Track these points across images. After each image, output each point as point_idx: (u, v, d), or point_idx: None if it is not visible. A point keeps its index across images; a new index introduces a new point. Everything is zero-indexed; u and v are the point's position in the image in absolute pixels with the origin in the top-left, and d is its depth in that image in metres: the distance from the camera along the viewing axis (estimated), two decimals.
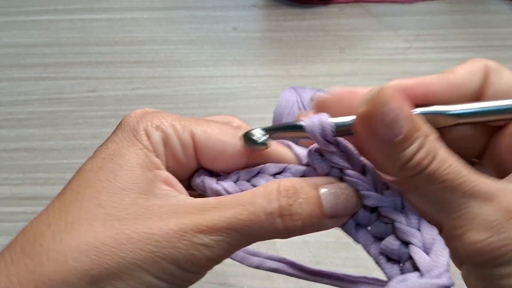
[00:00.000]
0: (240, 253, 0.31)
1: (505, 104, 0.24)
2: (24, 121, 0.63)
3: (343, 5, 0.77)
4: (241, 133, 0.25)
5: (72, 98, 0.65)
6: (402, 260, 0.23)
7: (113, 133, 0.26)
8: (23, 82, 0.67)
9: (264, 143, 0.25)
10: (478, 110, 0.24)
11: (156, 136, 0.25)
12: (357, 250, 0.49)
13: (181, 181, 0.26)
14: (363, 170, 0.25)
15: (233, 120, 0.30)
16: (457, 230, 0.22)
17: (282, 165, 0.26)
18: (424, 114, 0.23)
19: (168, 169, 0.26)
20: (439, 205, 0.22)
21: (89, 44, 0.72)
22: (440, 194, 0.22)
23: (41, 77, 0.68)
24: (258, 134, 0.25)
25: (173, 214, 0.23)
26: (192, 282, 0.24)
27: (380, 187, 0.24)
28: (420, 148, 0.21)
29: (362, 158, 0.25)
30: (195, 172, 0.27)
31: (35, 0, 0.78)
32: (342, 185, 0.24)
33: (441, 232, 0.23)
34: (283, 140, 0.27)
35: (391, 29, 0.73)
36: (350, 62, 0.68)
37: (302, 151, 0.26)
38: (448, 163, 0.21)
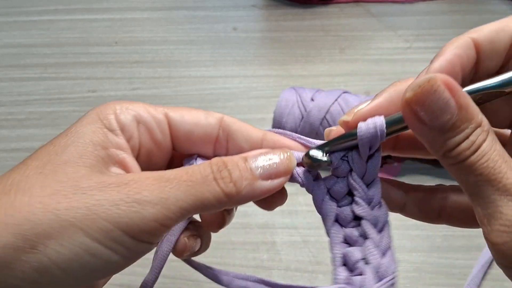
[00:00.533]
0: (212, 272, 0.32)
1: None
2: (25, 121, 0.63)
3: (343, 5, 0.77)
4: (211, 118, 0.28)
5: (72, 98, 0.65)
6: (354, 272, 0.25)
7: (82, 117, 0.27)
8: (23, 82, 0.67)
9: (329, 160, 0.26)
10: None
11: (127, 114, 0.26)
12: None
13: (157, 168, 0.27)
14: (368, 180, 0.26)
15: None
16: (485, 227, 0.22)
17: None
18: (475, 92, 0.24)
19: (143, 148, 0.27)
20: (474, 195, 0.23)
21: (89, 44, 0.72)
22: (476, 186, 0.22)
23: (42, 77, 0.68)
24: (319, 153, 0.26)
25: (115, 184, 0.23)
26: (139, 252, 0.24)
27: (377, 202, 0.26)
28: (465, 138, 0.22)
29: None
30: (170, 160, 0.29)
31: (36, 0, 0.78)
32: (273, 151, 0.26)
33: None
34: (276, 130, 0.29)
35: (391, 29, 0.73)
36: (350, 62, 0.68)
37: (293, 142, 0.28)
38: (488, 156, 0.22)
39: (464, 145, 0.22)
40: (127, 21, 0.76)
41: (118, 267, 0.24)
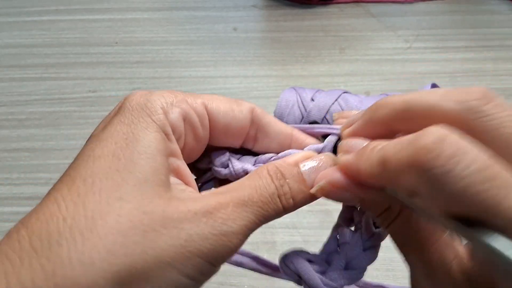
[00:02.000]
0: None
1: None
2: (25, 121, 0.63)
3: (343, 6, 0.77)
4: (244, 109, 0.27)
5: (73, 98, 0.65)
6: None
7: (116, 113, 0.24)
8: (24, 82, 0.68)
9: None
10: None
11: (175, 113, 0.23)
12: None
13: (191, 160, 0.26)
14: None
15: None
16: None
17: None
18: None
19: (186, 147, 0.25)
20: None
21: (90, 44, 0.72)
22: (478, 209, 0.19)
23: (42, 77, 0.68)
24: None
25: (201, 213, 0.21)
26: (211, 276, 0.23)
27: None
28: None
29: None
30: (202, 155, 0.28)
31: (36, 0, 0.78)
32: (318, 157, 0.26)
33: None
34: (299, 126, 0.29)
35: (391, 29, 0.73)
36: (350, 62, 0.68)
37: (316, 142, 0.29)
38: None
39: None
40: (127, 21, 0.76)
41: None
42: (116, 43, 0.72)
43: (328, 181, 0.24)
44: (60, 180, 0.22)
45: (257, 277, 0.48)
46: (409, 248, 0.25)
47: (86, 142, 0.23)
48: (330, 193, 0.24)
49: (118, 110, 0.24)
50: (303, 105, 0.54)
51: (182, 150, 0.25)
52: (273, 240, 0.50)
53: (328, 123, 0.53)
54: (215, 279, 0.48)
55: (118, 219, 0.19)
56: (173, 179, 0.23)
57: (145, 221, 0.20)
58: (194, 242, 0.21)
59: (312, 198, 0.25)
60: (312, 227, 0.51)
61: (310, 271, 0.26)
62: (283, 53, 0.70)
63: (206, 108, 0.25)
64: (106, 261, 0.19)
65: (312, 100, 0.55)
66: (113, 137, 0.22)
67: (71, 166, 0.22)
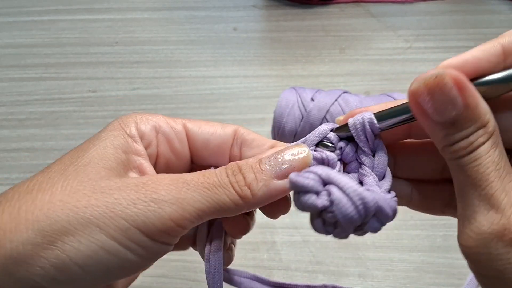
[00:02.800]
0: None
1: None
2: (25, 121, 0.63)
3: (343, 5, 0.77)
4: (227, 128, 0.28)
5: (73, 98, 0.65)
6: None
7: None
8: (24, 82, 0.68)
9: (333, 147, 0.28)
10: None
11: (147, 124, 0.27)
12: (357, 250, 0.49)
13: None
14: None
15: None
16: (459, 227, 0.23)
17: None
18: (481, 85, 0.23)
19: (161, 157, 0.28)
20: (459, 193, 0.23)
21: (90, 44, 0.72)
22: (463, 185, 0.23)
23: (42, 77, 0.68)
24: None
25: (134, 184, 0.24)
26: (156, 253, 0.24)
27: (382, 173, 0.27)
28: (464, 137, 0.22)
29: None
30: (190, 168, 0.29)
31: (36, 0, 0.78)
32: (287, 147, 0.26)
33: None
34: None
35: (391, 29, 0.73)
36: (350, 62, 0.68)
37: (330, 154, 0.27)
38: (481, 160, 0.22)
39: (461, 144, 0.22)
40: (127, 21, 0.76)
41: (134, 267, 0.24)
42: (116, 43, 0.72)
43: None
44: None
45: None
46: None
47: None
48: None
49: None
50: (303, 105, 0.54)
51: (157, 159, 0.28)
52: (273, 240, 0.50)
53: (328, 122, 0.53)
54: None
55: (53, 186, 0.23)
56: (133, 174, 0.26)
57: (76, 187, 0.23)
58: (120, 205, 0.23)
59: (281, 189, 0.25)
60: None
61: (346, 177, 0.25)
62: (283, 53, 0.70)
63: (185, 126, 0.28)
64: (31, 213, 0.22)
65: (312, 100, 0.55)
66: (87, 139, 0.26)
67: None
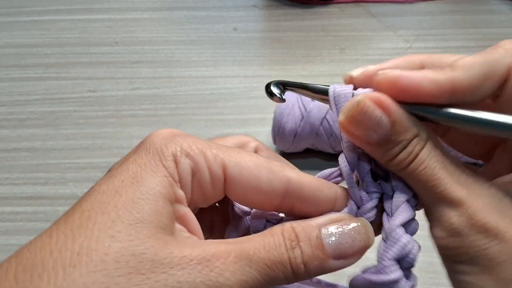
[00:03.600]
0: None
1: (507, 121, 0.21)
2: (25, 121, 0.63)
3: (343, 5, 0.77)
4: (274, 167, 0.24)
5: (73, 98, 0.65)
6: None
7: (134, 151, 0.23)
8: (24, 82, 0.67)
9: (283, 98, 0.27)
10: (474, 118, 0.22)
11: (185, 164, 0.22)
12: None
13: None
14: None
15: (249, 140, 0.28)
16: (430, 222, 0.24)
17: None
18: (414, 111, 0.23)
19: (191, 200, 0.23)
20: (421, 199, 0.24)
21: (90, 44, 0.72)
22: (420, 190, 0.24)
23: (42, 77, 0.68)
24: (277, 90, 0.27)
25: (197, 260, 0.20)
26: None
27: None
28: (402, 149, 0.23)
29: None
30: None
31: (36, 0, 0.78)
32: (349, 222, 0.23)
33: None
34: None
35: (391, 29, 0.73)
36: (350, 62, 0.68)
37: (364, 195, 0.25)
38: (426, 163, 0.23)
39: (402, 155, 0.23)
40: (127, 21, 0.76)
41: None
42: (116, 43, 0.72)
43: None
44: (65, 212, 0.21)
45: None
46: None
47: (106, 174, 0.23)
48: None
49: (138, 148, 0.23)
50: (303, 105, 0.54)
51: (188, 202, 0.23)
52: None
53: (328, 123, 0.53)
54: None
55: (104, 257, 0.19)
56: (178, 226, 0.22)
57: (132, 263, 0.19)
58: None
59: (331, 267, 0.23)
60: None
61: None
62: (283, 53, 0.70)
63: (224, 170, 0.23)
64: None
65: (312, 100, 0.55)
66: (122, 175, 0.22)
67: (79, 199, 0.22)
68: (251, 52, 0.70)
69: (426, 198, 0.23)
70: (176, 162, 0.22)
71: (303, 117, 0.53)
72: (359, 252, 0.23)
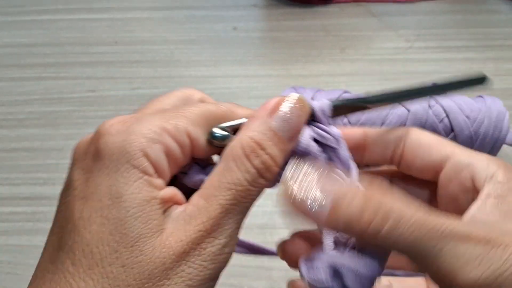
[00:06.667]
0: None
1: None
2: (24, 121, 0.63)
3: (344, 5, 0.76)
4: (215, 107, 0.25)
5: (72, 98, 0.65)
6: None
7: (96, 159, 0.22)
8: (23, 82, 0.67)
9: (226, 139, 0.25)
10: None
11: (157, 151, 0.22)
12: None
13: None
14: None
15: (192, 93, 0.28)
16: (447, 276, 0.21)
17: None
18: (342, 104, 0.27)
19: (170, 174, 0.24)
20: (416, 257, 0.21)
21: (89, 44, 0.72)
22: (413, 248, 0.21)
23: (41, 77, 0.68)
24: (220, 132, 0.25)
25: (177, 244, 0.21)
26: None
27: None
28: (371, 221, 0.21)
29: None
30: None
31: (35, 0, 0.78)
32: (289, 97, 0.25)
33: (429, 276, 0.22)
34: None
35: (392, 29, 0.73)
36: (351, 62, 0.68)
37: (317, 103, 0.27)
38: (409, 216, 0.21)
39: (375, 223, 0.21)
40: (127, 20, 0.75)
41: None
42: (116, 42, 0.72)
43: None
44: (60, 246, 0.21)
45: (257, 278, 0.48)
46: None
47: (72, 192, 0.23)
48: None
49: (97, 154, 0.22)
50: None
51: (168, 178, 0.24)
52: (273, 240, 0.50)
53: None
54: None
55: None
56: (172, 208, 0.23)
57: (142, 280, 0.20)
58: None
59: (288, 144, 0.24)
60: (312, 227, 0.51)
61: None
62: (284, 53, 0.70)
63: (189, 135, 0.23)
64: None
65: (313, 99, 0.55)
66: (98, 194, 0.21)
67: (65, 229, 0.22)
68: (251, 52, 0.70)
69: (428, 250, 0.21)
70: (146, 155, 0.21)
71: None
72: (303, 122, 0.25)
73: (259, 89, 0.65)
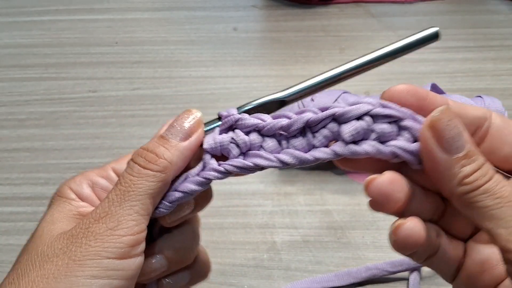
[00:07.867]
0: None
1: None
2: (25, 121, 0.63)
3: (343, 6, 0.77)
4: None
5: (73, 98, 0.65)
6: None
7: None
8: (24, 82, 0.68)
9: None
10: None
11: (81, 184, 0.29)
12: (357, 250, 0.49)
13: None
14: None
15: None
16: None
17: None
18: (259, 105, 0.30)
19: (102, 194, 0.30)
20: (494, 219, 0.23)
21: (90, 44, 0.72)
22: (495, 209, 0.23)
23: (42, 77, 0.68)
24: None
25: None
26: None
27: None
28: (478, 168, 0.23)
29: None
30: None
31: (36, 0, 0.79)
32: (177, 117, 0.31)
33: (494, 243, 0.23)
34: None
35: (390, 29, 0.73)
36: None
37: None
38: (503, 183, 0.23)
39: (478, 173, 0.23)
40: (127, 21, 0.76)
41: None
42: (116, 43, 0.72)
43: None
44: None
45: (257, 277, 0.48)
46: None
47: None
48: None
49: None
50: (303, 105, 0.54)
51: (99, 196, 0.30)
52: (273, 240, 0.50)
53: None
54: (214, 279, 0.48)
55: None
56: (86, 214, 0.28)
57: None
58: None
59: (192, 146, 0.28)
60: (312, 227, 0.51)
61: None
62: (283, 53, 0.70)
63: (113, 169, 0.30)
64: None
65: (312, 100, 0.55)
66: (36, 236, 0.27)
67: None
68: (251, 52, 0.71)
69: (506, 215, 0.23)
70: (70, 188, 0.29)
71: None
72: (195, 129, 0.30)
73: (259, 89, 0.66)
